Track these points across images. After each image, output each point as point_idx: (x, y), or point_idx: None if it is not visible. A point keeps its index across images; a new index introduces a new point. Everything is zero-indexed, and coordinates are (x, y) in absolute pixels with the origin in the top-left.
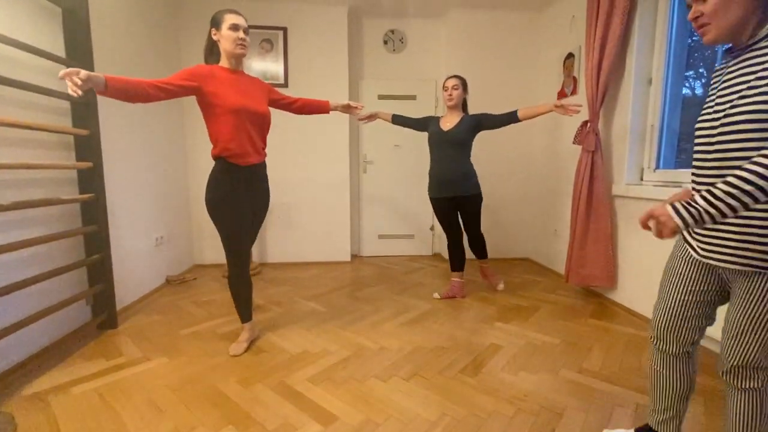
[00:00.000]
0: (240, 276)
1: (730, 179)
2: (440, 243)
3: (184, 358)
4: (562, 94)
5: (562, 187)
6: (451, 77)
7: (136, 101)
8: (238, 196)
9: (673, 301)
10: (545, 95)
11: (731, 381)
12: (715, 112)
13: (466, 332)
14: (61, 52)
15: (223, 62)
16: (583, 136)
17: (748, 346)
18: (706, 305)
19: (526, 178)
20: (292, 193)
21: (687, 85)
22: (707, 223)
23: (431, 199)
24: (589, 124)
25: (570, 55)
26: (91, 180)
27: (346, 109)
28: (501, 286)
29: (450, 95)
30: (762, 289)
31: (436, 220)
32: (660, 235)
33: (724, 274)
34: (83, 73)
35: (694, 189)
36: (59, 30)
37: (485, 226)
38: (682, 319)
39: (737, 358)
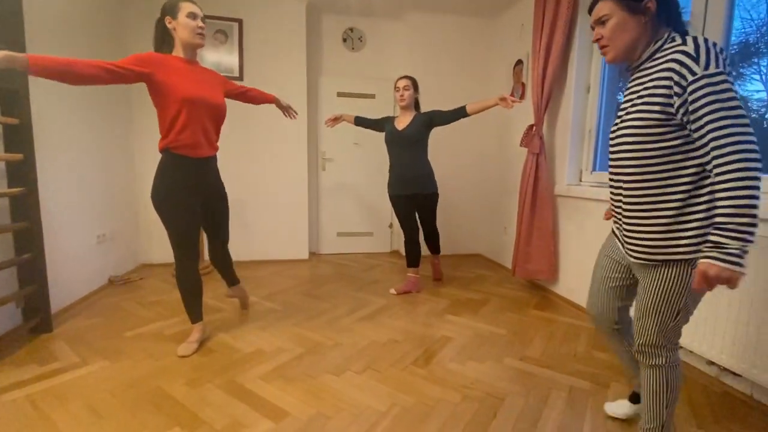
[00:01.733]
0: (188, 273)
1: (729, 210)
2: (399, 240)
3: (127, 362)
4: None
5: (510, 187)
6: (402, 78)
7: (77, 83)
8: (187, 189)
9: (598, 287)
10: None
11: (640, 359)
12: (615, 124)
13: (419, 326)
14: None
15: (177, 52)
16: (529, 139)
17: (648, 329)
18: (620, 290)
19: (478, 178)
20: (248, 190)
21: (623, 92)
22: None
23: (391, 196)
24: (534, 128)
25: (519, 62)
26: (22, 173)
27: (284, 109)
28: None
29: (402, 95)
30: (656, 279)
31: (394, 217)
32: (732, 284)
33: (631, 266)
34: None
35: (611, 193)
36: None
37: (440, 223)
38: (604, 303)
39: (641, 338)
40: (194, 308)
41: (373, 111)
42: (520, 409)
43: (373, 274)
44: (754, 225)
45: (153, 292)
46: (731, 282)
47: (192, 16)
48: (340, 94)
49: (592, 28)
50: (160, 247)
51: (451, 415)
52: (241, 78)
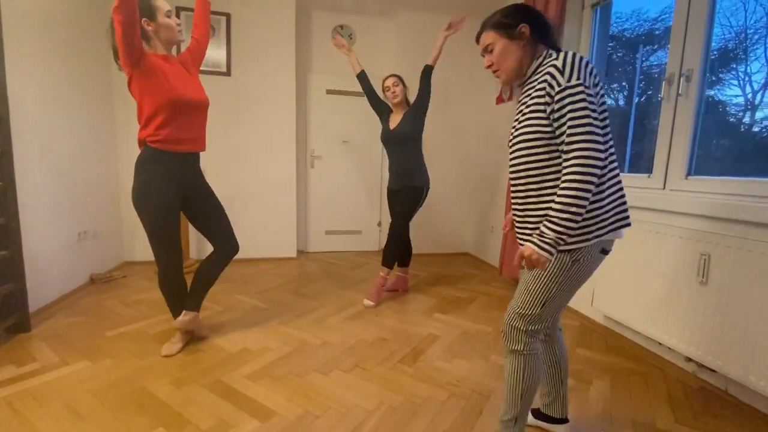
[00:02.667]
0: (170, 271)
1: (558, 206)
2: None
3: (108, 361)
4: (500, 100)
5: (498, 187)
6: (389, 76)
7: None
8: (167, 185)
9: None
10: (487, 99)
11: (503, 342)
12: (511, 134)
13: (406, 324)
14: None
15: (155, 50)
16: None
17: (514, 307)
18: None
19: (466, 178)
20: (236, 187)
21: (611, 96)
22: (566, 239)
23: (387, 191)
24: None
25: None
26: None
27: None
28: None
29: (394, 92)
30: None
31: (383, 215)
32: (540, 267)
33: None
34: None
35: (512, 199)
36: None
37: (429, 222)
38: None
39: (507, 317)
40: (177, 307)
41: (364, 109)
42: None
43: (362, 272)
44: (573, 221)
45: (136, 291)
46: (539, 265)
47: (169, 14)
48: (329, 92)
49: (483, 56)
50: (143, 245)
51: (438, 412)
52: (228, 73)
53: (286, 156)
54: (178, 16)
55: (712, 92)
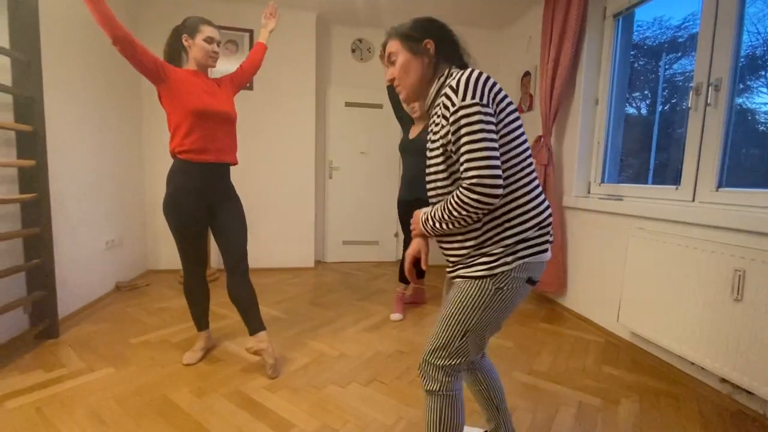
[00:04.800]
0: (194, 281)
1: (438, 207)
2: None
3: (132, 369)
4: (519, 110)
5: None
6: None
7: (112, 31)
8: (193, 195)
9: None
10: None
11: (420, 380)
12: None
13: (424, 337)
14: (4, 41)
15: (188, 66)
16: (537, 150)
17: (433, 341)
18: None
19: None
20: (255, 197)
21: (633, 105)
22: (438, 232)
23: (398, 202)
24: (542, 139)
25: (527, 73)
26: (34, 179)
27: (266, 17)
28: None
29: (413, 108)
30: (454, 292)
31: (400, 227)
32: (414, 235)
33: None
34: None
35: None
36: (3, 17)
37: None
38: None
39: (424, 353)
40: (200, 316)
41: (383, 120)
42: (528, 424)
43: (379, 283)
44: (432, 228)
45: (159, 299)
46: (414, 227)
47: (209, 40)
48: (348, 104)
49: (386, 66)
50: (167, 253)
51: None
52: (250, 87)
53: (305, 167)
54: (218, 45)
55: (740, 100)
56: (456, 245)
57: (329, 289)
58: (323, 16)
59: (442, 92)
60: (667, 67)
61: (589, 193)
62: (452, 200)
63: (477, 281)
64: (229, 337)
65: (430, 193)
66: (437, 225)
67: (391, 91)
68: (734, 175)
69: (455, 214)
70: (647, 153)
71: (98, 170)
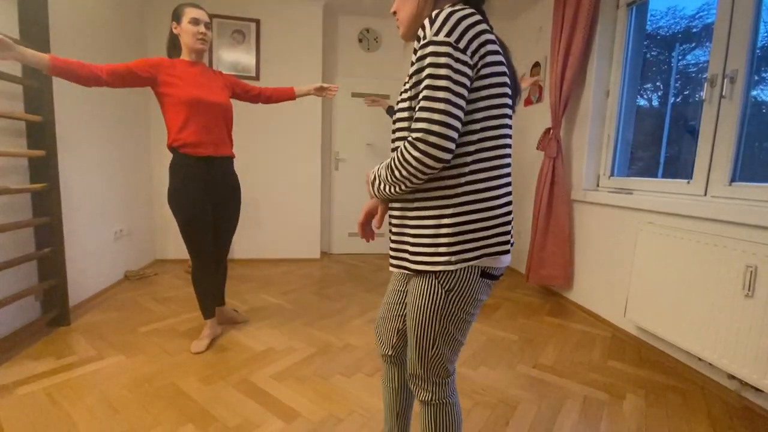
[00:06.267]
0: (202, 271)
1: (383, 164)
2: None
3: (141, 356)
4: (528, 101)
5: (525, 191)
6: None
7: (87, 84)
8: (194, 186)
9: (385, 300)
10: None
11: (413, 390)
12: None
13: None
14: (14, 32)
15: (184, 56)
16: (546, 142)
17: (411, 356)
18: (403, 306)
19: None
20: (261, 188)
21: (644, 96)
22: (384, 196)
23: None
24: (551, 131)
25: (536, 64)
26: (44, 169)
27: (320, 91)
28: None
29: None
30: (411, 294)
31: None
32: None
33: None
34: (6, 41)
35: None
36: (14, 8)
37: None
38: (383, 319)
39: (408, 367)
40: (207, 305)
41: None
42: (533, 417)
43: (384, 275)
44: (378, 190)
45: (167, 288)
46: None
47: (195, 21)
48: (354, 95)
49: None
50: (174, 243)
51: (464, 422)
52: (257, 77)
53: (311, 158)
54: (207, 27)
55: (755, 92)
56: (395, 221)
57: (335, 281)
58: (330, 5)
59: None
60: (680, 57)
61: (598, 186)
62: (395, 156)
63: (423, 282)
64: (235, 327)
65: (392, 146)
66: (382, 187)
67: (392, 112)
68: (748, 169)
69: (396, 174)
70: (658, 146)
71: (107, 161)
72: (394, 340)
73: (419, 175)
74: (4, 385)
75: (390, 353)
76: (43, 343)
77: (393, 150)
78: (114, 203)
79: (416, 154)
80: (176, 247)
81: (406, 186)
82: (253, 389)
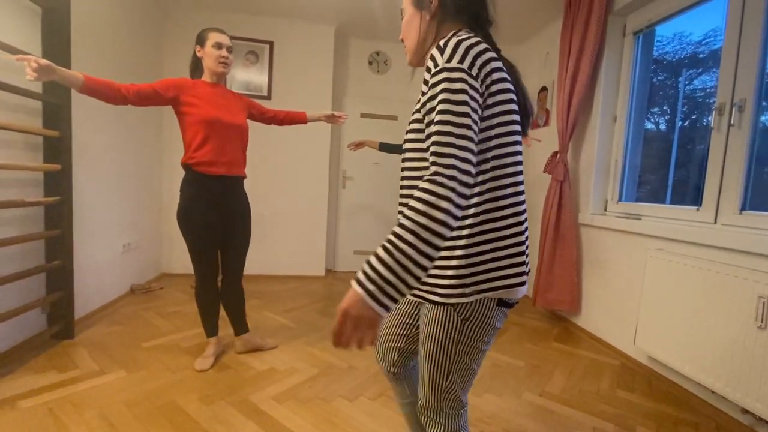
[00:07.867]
0: (205, 289)
1: (398, 225)
2: None
3: (143, 373)
4: (534, 125)
5: (532, 214)
6: None
7: (114, 102)
8: (204, 205)
9: (389, 315)
10: None
11: (424, 425)
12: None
13: None
14: (37, 48)
15: (206, 77)
16: (553, 165)
17: (423, 386)
18: (406, 327)
19: None
20: (268, 205)
21: (652, 120)
22: (405, 289)
23: None
24: (558, 155)
25: (544, 89)
26: (59, 183)
27: (330, 119)
28: None
29: None
30: (425, 324)
31: None
32: (345, 320)
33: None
34: (43, 61)
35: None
36: (37, 30)
37: None
38: (383, 337)
39: (419, 398)
40: (210, 323)
41: (397, 132)
42: None
43: None
44: (396, 274)
45: (172, 303)
46: (345, 318)
47: (218, 46)
48: (363, 115)
49: None
50: (181, 257)
51: None
52: (269, 97)
53: (318, 176)
54: (229, 51)
55: (764, 118)
56: None
57: (339, 299)
58: (342, 29)
59: (430, 54)
60: (687, 82)
61: (605, 210)
62: (417, 206)
63: (438, 310)
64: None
65: (402, 187)
66: (403, 262)
67: (387, 148)
68: (759, 198)
69: (430, 226)
70: (665, 170)
71: (119, 176)
72: (395, 358)
73: (455, 212)
74: (7, 398)
75: (393, 370)
76: (47, 356)
77: (404, 170)
78: (124, 217)
79: (452, 184)
80: (182, 262)
81: (440, 240)
82: (254, 410)
